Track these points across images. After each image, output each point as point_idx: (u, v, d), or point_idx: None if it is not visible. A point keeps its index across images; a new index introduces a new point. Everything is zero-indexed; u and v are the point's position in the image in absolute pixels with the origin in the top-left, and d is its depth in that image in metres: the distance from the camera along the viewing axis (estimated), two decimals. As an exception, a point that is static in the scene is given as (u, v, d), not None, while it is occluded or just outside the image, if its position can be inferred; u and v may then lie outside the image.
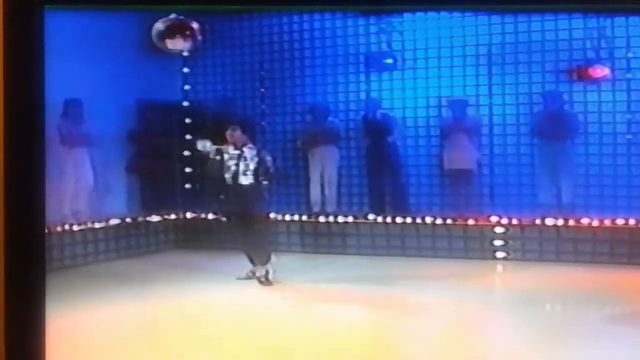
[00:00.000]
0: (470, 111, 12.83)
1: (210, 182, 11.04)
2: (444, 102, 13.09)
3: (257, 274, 10.43)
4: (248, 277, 10.49)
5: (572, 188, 12.20)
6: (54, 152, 11.12)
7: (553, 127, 12.16)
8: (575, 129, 12.29)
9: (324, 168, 13.41)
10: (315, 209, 13.32)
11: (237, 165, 10.38)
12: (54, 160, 11.14)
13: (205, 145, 10.68)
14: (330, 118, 13.59)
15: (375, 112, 13.32)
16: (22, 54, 4.93)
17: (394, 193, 13.28)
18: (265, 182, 10.53)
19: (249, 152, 10.45)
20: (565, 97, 12.37)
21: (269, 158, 10.63)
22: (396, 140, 13.11)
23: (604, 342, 7.41)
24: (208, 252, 12.79)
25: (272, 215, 13.01)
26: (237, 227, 10.64)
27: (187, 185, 13.43)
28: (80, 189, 12.01)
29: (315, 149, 13.42)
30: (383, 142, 13.13)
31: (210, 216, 13.04)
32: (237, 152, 10.41)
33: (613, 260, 11.15)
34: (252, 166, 10.39)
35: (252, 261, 10.50)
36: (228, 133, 10.55)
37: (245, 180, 10.39)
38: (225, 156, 10.44)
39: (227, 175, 10.41)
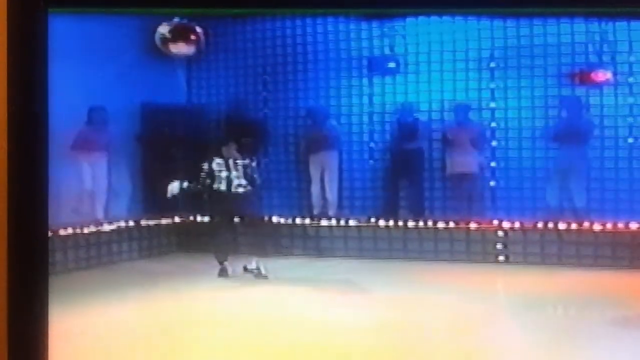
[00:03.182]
0: (474, 115, 12.84)
1: (207, 191, 11.28)
2: (446, 105, 13.11)
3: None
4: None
5: (581, 193, 12.19)
6: (57, 156, 11.07)
7: (568, 132, 12.16)
8: (585, 133, 12.28)
9: (325, 171, 13.42)
10: (317, 212, 13.35)
11: (229, 174, 10.81)
12: (58, 164, 11.11)
13: (173, 189, 11.08)
14: (331, 122, 13.60)
15: (402, 115, 13.33)
16: (26, 58, 4.95)
17: (397, 197, 13.29)
18: (254, 188, 11.20)
19: (240, 162, 10.82)
20: (582, 102, 12.37)
21: (254, 166, 11.09)
22: (400, 144, 13.10)
23: (606, 345, 7.41)
24: (212, 255, 12.84)
25: (274, 218, 13.10)
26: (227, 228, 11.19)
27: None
28: (85, 192, 12.03)
29: (317, 152, 13.43)
30: (388, 147, 13.17)
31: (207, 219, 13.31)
32: (230, 162, 10.83)
33: (615, 264, 11.16)
34: (243, 174, 10.83)
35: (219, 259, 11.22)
36: (224, 149, 11.07)
37: (239, 188, 10.77)
38: (217, 167, 10.95)
39: (222, 185, 10.77)
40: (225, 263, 11.09)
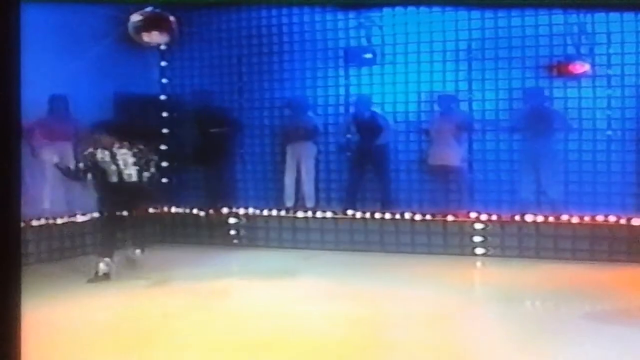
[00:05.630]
0: (458, 107, 12.76)
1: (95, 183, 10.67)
2: (423, 97, 13.06)
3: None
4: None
5: (552, 184, 12.17)
6: (30, 146, 11.00)
7: (534, 123, 12.11)
8: (557, 125, 12.24)
9: (301, 163, 13.36)
10: (292, 204, 13.28)
11: (113, 164, 10.23)
12: (31, 154, 11.02)
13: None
14: (308, 113, 13.51)
15: (358, 108, 13.22)
16: (-2, 48, 4.84)
17: (373, 189, 13.23)
18: (145, 179, 10.45)
19: (119, 151, 10.30)
20: (547, 93, 12.34)
21: (149, 158, 10.56)
22: (377, 136, 12.98)
23: (584, 338, 7.37)
24: (189, 247, 12.96)
25: (250, 210, 13.04)
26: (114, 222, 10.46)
27: (165, 180, 13.28)
28: (59, 183, 11.88)
29: (293, 143, 13.36)
30: (363, 139, 13.05)
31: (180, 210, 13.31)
32: (109, 152, 10.23)
33: (593, 257, 11.16)
34: (129, 164, 10.31)
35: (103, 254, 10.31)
36: (96, 137, 10.41)
37: (127, 178, 10.27)
38: (101, 157, 10.24)
39: (109, 176, 10.24)
40: (107, 260, 10.23)
